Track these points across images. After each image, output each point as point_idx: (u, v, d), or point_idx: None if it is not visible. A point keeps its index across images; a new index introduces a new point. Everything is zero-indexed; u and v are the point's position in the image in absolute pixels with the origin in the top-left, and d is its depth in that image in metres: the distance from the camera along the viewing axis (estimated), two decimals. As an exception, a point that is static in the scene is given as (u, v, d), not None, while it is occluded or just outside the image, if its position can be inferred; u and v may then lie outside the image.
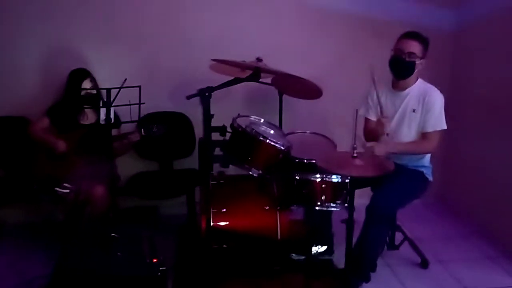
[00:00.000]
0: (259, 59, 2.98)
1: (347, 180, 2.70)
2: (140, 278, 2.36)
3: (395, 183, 2.91)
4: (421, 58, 2.93)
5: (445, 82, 4.16)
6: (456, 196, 4.27)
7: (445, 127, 3.00)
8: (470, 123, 4.01)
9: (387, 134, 2.96)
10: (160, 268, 2.39)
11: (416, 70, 2.96)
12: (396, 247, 3.39)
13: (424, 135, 3.02)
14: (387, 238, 3.35)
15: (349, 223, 2.61)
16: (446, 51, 4.19)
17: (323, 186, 2.74)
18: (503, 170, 3.61)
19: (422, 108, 2.99)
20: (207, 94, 2.63)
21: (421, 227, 3.90)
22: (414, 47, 2.91)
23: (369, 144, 2.88)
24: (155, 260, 2.45)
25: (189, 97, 2.66)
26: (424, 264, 3.33)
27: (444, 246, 3.63)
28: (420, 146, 3.05)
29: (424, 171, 3.11)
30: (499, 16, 3.63)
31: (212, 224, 2.92)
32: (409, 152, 3.07)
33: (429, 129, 2.99)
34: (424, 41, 2.93)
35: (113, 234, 2.65)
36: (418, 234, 3.73)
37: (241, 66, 2.90)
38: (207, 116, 2.68)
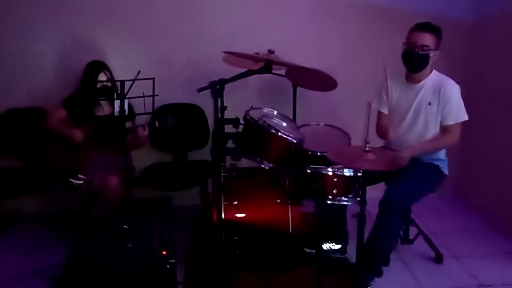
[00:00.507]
0: (271, 51, 2.97)
1: (359, 174, 2.67)
2: (149, 270, 2.37)
3: (409, 177, 2.87)
4: (435, 49, 2.87)
5: (460, 74, 4.07)
6: (473, 190, 4.20)
7: (467, 118, 2.94)
8: (487, 116, 3.92)
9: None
10: (169, 261, 2.40)
11: (430, 62, 2.90)
12: (410, 242, 3.35)
13: (446, 128, 2.96)
14: (401, 232, 3.32)
15: (361, 217, 2.57)
16: (462, 42, 4.11)
17: (334, 179, 2.72)
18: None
19: (438, 101, 2.93)
20: (217, 86, 2.61)
21: (437, 221, 3.87)
22: (427, 39, 2.84)
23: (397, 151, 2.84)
24: (164, 253, 2.47)
25: (200, 90, 2.65)
26: (438, 258, 3.28)
27: (459, 241, 3.58)
28: (443, 141, 2.99)
29: (440, 165, 3.05)
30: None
31: (223, 216, 2.93)
32: (434, 149, 3.01)
33: (451, 121, 2.93)
34: (436, 32, 2.86)
35: (124, 226, 2.66)
36: (434, 228, 3.71)
37: (252, 58, 2.88)
38: (218, 109, 2.66)
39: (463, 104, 2.93)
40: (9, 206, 3.86)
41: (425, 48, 2.84)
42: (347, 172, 2.72)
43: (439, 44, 2.88)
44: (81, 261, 2.45)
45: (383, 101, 3.15)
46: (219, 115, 2.82)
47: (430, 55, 2.86)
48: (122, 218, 2.83)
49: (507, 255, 3.39)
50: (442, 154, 3.08)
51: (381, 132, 3.11)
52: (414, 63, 2.92)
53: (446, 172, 3.08)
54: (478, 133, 4.02)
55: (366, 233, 2.81)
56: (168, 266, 2.37)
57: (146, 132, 3.31)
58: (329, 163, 2.71)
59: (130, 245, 2.52)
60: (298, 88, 3.66)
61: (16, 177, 3.60)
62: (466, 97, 3.97)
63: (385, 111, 3.15)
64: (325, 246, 3.22)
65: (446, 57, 3.85)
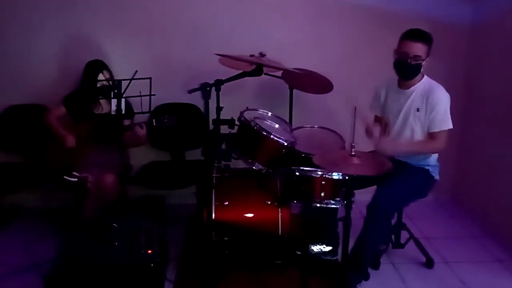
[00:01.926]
0: (262, 54, 3.00)
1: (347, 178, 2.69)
2: (134, 268, 2.43)
3: (398, 181, 2.89)
4: (426, 57, 2.88)
5: (459, 79, 4.09)
6: (469, 195, 4.19)
7: (451, 127, 2.94)
8: (484, 121, 3.91)
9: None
10: (155, 260, 2.44)
11: (421, 71, 2.92)
12: (402, 246, 3.36)
13: (431, 135, 2.98)
14: (392, 236, 3.33)
15: (346, 221, 2.60)
16: (460, 46, 4.10)
17: (322, 182, 2.74)
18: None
19: (426, 107, 2.94)
20: (208, 88, 2.66)
21: (432, 226, 3.87)
22: (419, 49, 2.84)
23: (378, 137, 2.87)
24: (150, 251, 2.51)
25: (191, 91, 2.70)
26: (429, 263, 3.29)
27: (452, 246, 3.57)
28: (427, 146, 3.01)
29: (430, 170, 3.06)
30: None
31: (214, 216, 2.97)
32: (417, 151, 3.03)
33: (435, 128, 2.94)
34: (427, 40, 2.87)
35: (113, 224, 2.72)
36: (428, 233, 3.72)
37: (244, 60, 2.91)
38: (208, 110, 2.71)
39: (449, 112, 2.94)
40: (9, 201, 3.93)
41: (417, 58, 2.85)
42: (335, 175, 2.74)
43: (430, 51, 2.90)
44: (70, 257, 2.51)
45: (376, 105, 3.19)
46: (213, 116, 2.89)
47: (422, 64, 2.88)
48: (114, 216, 2.88)
49: (499, 262, 3.38)
50: (433, 159, 3.09)
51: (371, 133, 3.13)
52: (407, 73, 2.94)
53: (436, 177, 3.08)
54: (476, 138, 4.02)
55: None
56: (152, 265, 2.42)
57: (143, 131, 3.36)
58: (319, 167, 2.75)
59: (117, 243, 2.57)
60: (295, 90, 3.69)
61: (16, 172, 3.67)
62: (465, 102, 4.00)
63: (377, 114, 3.19)
64: (316, 248, 3.25)
65: (445, 60, 3.88)
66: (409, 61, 2.86)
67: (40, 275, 2.93)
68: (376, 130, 3.05)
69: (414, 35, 2.87)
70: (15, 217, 3.87)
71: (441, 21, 3.82)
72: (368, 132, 3.08)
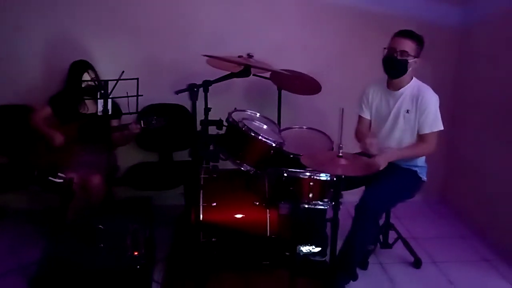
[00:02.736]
0: (250, 55, 2.98)
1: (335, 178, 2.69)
2: (120, 270, 2.40)
3: (386, 182, 2.90)
4: (415, 56, 2.88)
5: (448, 81, 4.11)
6: (457, 196, 4.21)
7: (442, 128, 2.96)
8: (472, 124, 3.94)
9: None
10: (141, 262, 2.42)
11: (409, 69, 2.91)
12: (390, 246, 3.36)
13: (421, 137, 2.99)
14: (381, 237, 3.34)
15: (334, 222, 2.60)
16: (451, 50, 4.11)
17: (311, 183, 2.75)
18: (503, 172, 3.53)
19: (416, 109, 2.95)
20: (195, 89, 2.64)
21: (420, 226, 3.88)
22: (407, 45, 2.86)
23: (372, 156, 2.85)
24: (136, 253, 2.49)
25: (178, 92, 2.68)
26: (417, 263, 3.30)
27: (440, 247, 3.59)
28: (418, 149, 3.01)
29: (418, 171, 3.07)
30: (506, 16, 3.53)
31: (202, 217, 2.95)
32: (409, 156, 3.03)
33: (426, 130, 2.95)
34: (418, 39, 2.88)
35: (99, 226, 2.69)
36: (417, 233, 3.73)
37: (231, 62, 2.90)
38: (196, 110, 2.70)
39: (439, 113, 2.95)
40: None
41: (404, 53, 2.86)
42: (323, 176, 2.74)
43: (420, 52, 2.90)
44: (56, 259, 2.48)
45: (364, 106, 3.18)
46: (201, 117, 2.87)
47: (409, 61, 2.88)
48: (100, 217, 2.85)
49: (486, 262, 3.40)
50: (421, 160, 3.09)
51: (359, 136, 3.13)
52: (393, 68, 2.93)
53: (424, 178, 3.10)
54: (464, 140, 4.04)
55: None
56: (138, 266, 2.40)
57: (139, 128, 3.34)
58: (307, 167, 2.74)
59: (102, 245, 2.54)
60: (283, 91, 3.68)
61: (1, 174, 3.62)
62: (454, 104, 4.02)
63: (366, 116, 3.19)
64: (305, 249, 3.24)
65: (436, 63, 3.90)
66: (395, 55, 2.87)
67: (26, 278, 2.91)
68: (373, 146, 2.94)
69: (404, 32, 2.89)
70: (1, 219, 3.82)
71: (431, 23, 3.83)
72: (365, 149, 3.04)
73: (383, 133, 3.09)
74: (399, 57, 2.87)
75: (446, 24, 4.00)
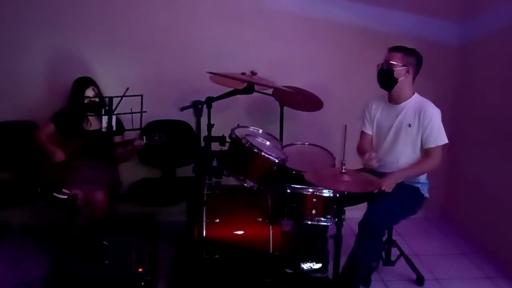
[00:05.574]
0: (253, 73, 3.02)
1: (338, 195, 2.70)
2: (125, 287, 2.40)
3: (389, 199, 2.89)
4: (403, 65, 2.93)
5: (448, 98, 4.14)
6: (459, 213, 4.21)
7: (447, 141, 2.98)
8: (473, 140, 3.95)
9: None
10: (145, 278, 2.43)
11: (401, 78, 2.95)
12: (392, 263, 3.36)
13: (426, 152, 3.00)
14: (383, 253, 3.33)
15: (337, 238, 2.61)
16: (449, 66, 4.15)
17: (314, 200, 2.76)
18: (505, 189, 3.54)
19: (418, 124, 2.97)
20: (200, 106, 2.67)
21: (423, 243, 3.88)
22: (394, 56, 2.95)
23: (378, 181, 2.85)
24: (140, 270, 2.49)
25: (183, 109, 2.72)
26: (419, 281, 3.29)
27: (443, 263, 3.59)
28: (424, 165, 3.02)
29: (420, 187, 3.08)
30: (504, 33, 3.57)
31: (204, 234, 2.96)
32: (416, 174, 3.04)
33: (431, 144, 2.97)
34: (405, 50, 2.96)
35: (104, 242, 2.70)
36: (419, 250, 3.73)
37: (235, 79, 2.94)
38: (200, 127, 2.73)
39: (443, 127, 2.97)
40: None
41: (390, 64, 2.93)
42: (326, 193, 2.75)
43: (410, 61, 2.95)
44: (60, 276, 2.48)
45: (367, 121, 3.21)
46: (204, 133, 2.90)
47: (395, 69, 2.93)
48: (104, 233, 2.86)
49: (488, 279, 3.40)
50: (422, 177, 3.11)
51: (361, 152, 3.15)
52: (381, 80, 3.01)
53: (426, 195, 3.10)
54: (465, 157, 4.05)
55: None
56: (143, 283, 2.40)
57: (143, 144, 3.36)
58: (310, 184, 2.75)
59: (107, 262, 2.55)
60: (286, 108, 3.71)
61: (5, 189, 3.63)
62: (454, 120, 4.05)
63: (368, 131, 3.22)
64: (306, 266, 3.24)
65: (435, 79, 3.93)
66: (382, 67, 2.96)
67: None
68: (372, 160, 2.96)
69: (392, 47, 3.00)
70: (3, 235, 3.82)
71: (429, 40, 3.88)
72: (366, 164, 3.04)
73: (384, 147, 3.11)
74: (385, 67, 2.95)
75: (444, 41, 4.05)
